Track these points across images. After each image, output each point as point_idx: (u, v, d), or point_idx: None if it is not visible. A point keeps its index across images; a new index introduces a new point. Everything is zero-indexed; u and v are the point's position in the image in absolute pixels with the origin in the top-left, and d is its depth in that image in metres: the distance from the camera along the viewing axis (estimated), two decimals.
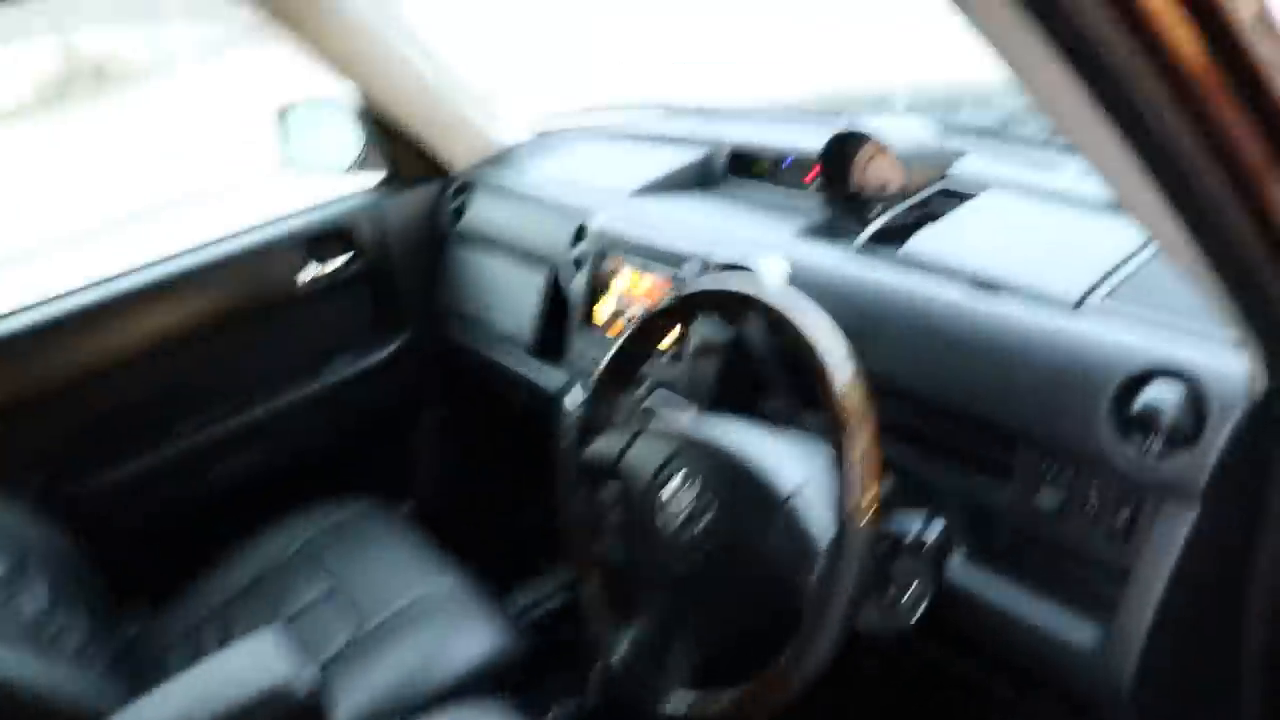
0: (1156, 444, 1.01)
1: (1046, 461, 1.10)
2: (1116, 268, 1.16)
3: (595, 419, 1.29)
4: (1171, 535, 1.01)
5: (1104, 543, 1.07)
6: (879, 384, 1.24)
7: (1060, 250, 1.22)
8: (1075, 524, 1.09)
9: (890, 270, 1.29)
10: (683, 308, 1.23)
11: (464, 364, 2.12)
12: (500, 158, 2.15)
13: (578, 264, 1.70)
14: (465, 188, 2.11)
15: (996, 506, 1.16)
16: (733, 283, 1.18)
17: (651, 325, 1.26)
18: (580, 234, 1.72)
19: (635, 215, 1.67)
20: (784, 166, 1.71)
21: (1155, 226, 0.77)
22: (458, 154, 2.15)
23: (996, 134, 1.57)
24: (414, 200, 2.17)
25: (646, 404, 1.53)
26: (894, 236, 1.35)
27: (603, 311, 1.65)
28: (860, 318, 1.27)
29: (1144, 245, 1.18)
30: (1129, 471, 1.03)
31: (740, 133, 1.82)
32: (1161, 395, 1.01)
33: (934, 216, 1.37)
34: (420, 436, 2.32)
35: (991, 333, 1.15)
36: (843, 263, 1.35)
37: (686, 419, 1.23)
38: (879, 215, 1.40)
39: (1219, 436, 0.97)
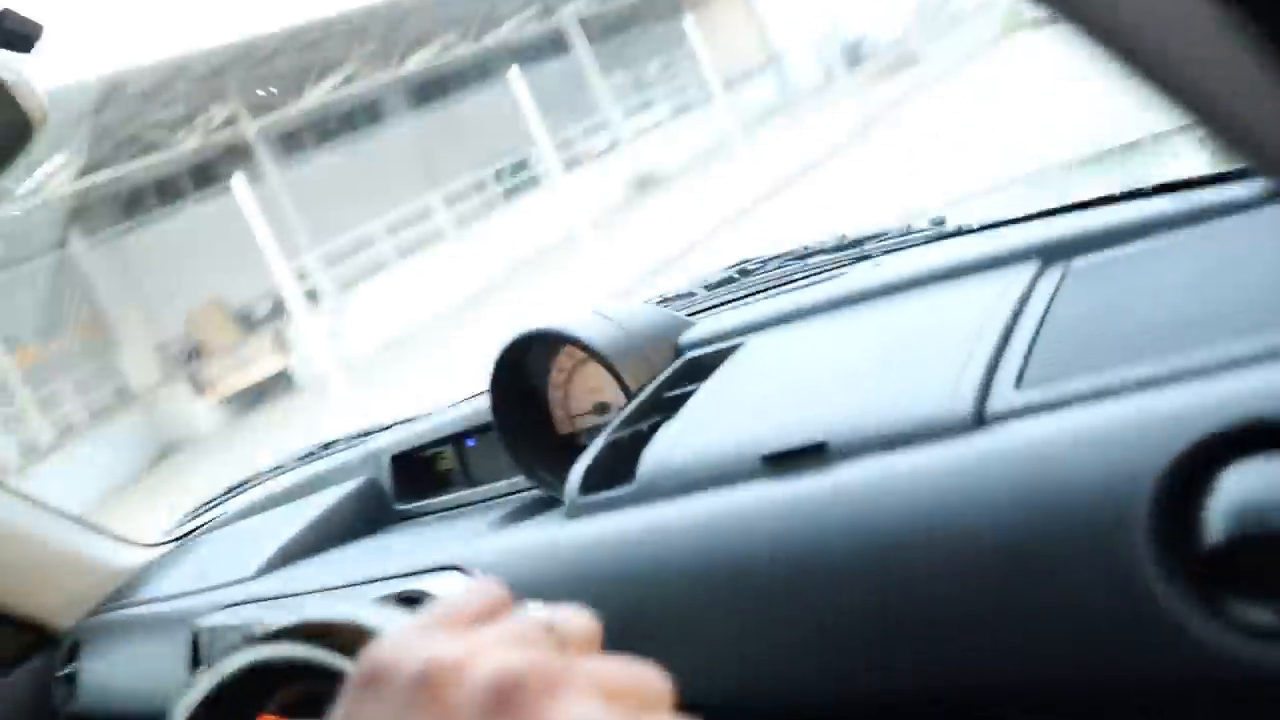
0: None
1: None
2: (1003, 341, 0.61)
3: None
4: None
5: None
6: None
7: (892, 361, 0.67)
8: None
9: (634, 515, 0.70)
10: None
11: None
12: (123, 590, 1.48)
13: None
14: (76, 650, 1.41)
15: None
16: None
17: None
18: (196, 654, 1.05)
19: (261, 600, 1.03)
20: (470, 446, 1.13)
21: None
22: (57, 608, 1.47)
23: (733, 280, 1.05)
24: (7, 698, 1.45)
25: None
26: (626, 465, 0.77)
27: None
28: (623, 618, 0.66)
29: (1021, 302, 0.65)
30: None
31: (402, 435, 1.23)
32: (1257, 483, 0.43)
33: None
34: None
35: (847, 531, 0.56)
36: (558, 537, 0.75)
37: None
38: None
39: None
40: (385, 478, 1.21)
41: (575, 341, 0.89)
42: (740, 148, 14.98)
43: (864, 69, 17.13)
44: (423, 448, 1.18)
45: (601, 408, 0.96)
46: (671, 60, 18.30)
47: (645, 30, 18.54)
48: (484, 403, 1.06)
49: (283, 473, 1.53)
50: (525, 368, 0.96)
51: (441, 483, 1.18)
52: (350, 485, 1.22)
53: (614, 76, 17.55)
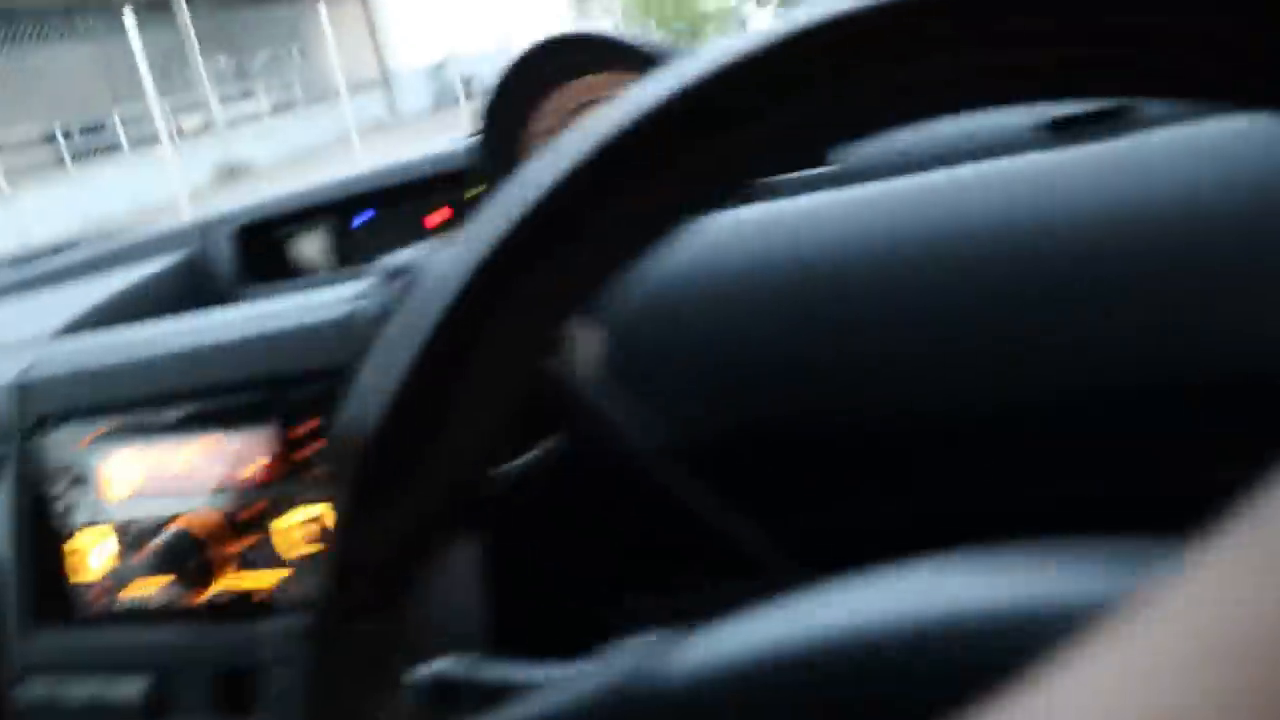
0: None
1: None
2: None
3: None
4: None
5: None
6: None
7: None
8: None
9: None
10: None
11: None
12: None
13: None
14: None
15: None
16: None
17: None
18: None
19: (71, 355, 0.72)
20: (363, 222, 0.90)
21: None
22: None
23: None
24: None
25: None
26: None
27: (91, 556, 0.66)
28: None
29: None
30: None
31: (262, 205, 0.95)
32: None
33: None
34: None
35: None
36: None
37: None
38: None
39: None
40: (223, 250, 0.93)
41: (622, 52, 0.71)
42: (342, 156, 14.38)
43: (472, 104, 17.26)
44: (288, 219, 0.92)
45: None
46: (280, 55, 17.28)
47: (259, 16, 17.38)
48: (379, 176, 0.84)
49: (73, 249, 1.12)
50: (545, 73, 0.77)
51: (294, 269, 0.93)
52: (179, 254, 0.92)
53: (216, 59, 16.21)
